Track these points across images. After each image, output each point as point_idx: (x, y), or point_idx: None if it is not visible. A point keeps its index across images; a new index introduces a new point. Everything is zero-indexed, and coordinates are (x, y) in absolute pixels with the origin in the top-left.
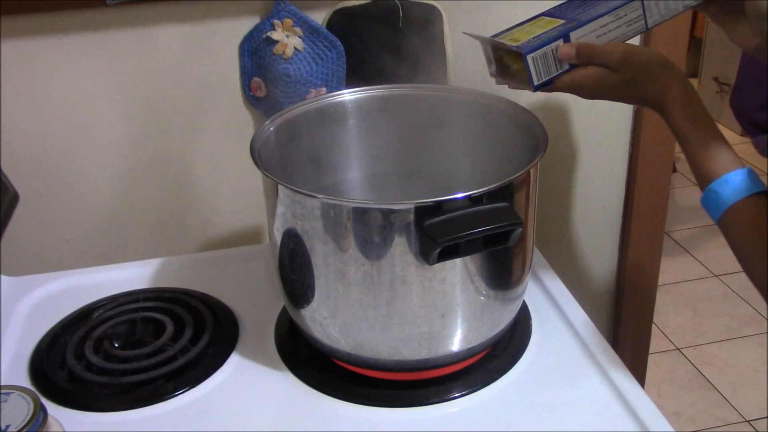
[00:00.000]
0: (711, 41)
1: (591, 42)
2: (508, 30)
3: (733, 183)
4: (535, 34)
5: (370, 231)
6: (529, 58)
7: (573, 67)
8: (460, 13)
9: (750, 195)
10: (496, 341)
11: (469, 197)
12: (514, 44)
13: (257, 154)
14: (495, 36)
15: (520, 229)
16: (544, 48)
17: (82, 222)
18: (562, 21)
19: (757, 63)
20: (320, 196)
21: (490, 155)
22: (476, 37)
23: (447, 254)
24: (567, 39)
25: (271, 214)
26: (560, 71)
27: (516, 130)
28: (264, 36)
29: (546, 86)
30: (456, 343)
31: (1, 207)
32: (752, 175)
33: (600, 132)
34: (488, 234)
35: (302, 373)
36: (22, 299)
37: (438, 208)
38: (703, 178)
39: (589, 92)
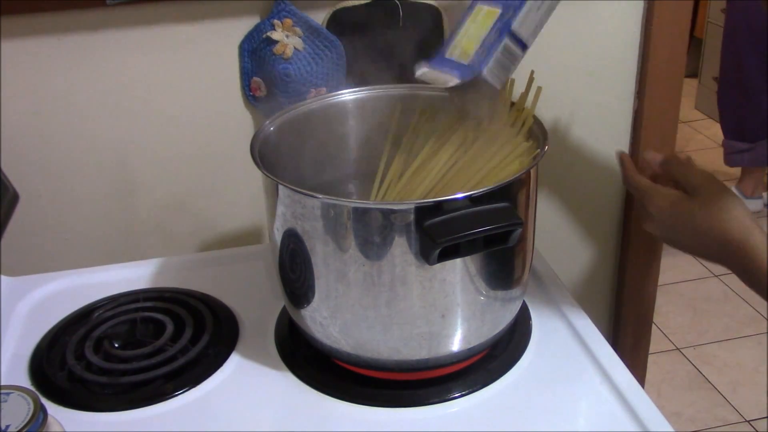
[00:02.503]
0: (711, 41)
1: (534, 18)
2: (453, 37)
3: None
4: (480, 39)
5: (370, 231)
6: (486, 71)
7: (524, 49)
8: (460, 13)
9: None
10: (496, 341)
11: (469, 197)
12: (466, 61)
13: (257, 154)
14: (444, 46)
15: (520, 229)
16: (494, 56)
17: (82, 222)
18: (499, 9)
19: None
20: (320, 196)
21: None
22: (430, 81)
23: (447, 254)
24: (509, 31)
25: (271, 214)
26: (515, 64)
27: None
28: (264, 36)
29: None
30: (456, 343)
31: (1, 207)
32: None
33: (600, 132)
34: (488, 234)
35: (302, 373)
36: (22, 299)
37: (438, 208)
38: None
39: (659, 215)
